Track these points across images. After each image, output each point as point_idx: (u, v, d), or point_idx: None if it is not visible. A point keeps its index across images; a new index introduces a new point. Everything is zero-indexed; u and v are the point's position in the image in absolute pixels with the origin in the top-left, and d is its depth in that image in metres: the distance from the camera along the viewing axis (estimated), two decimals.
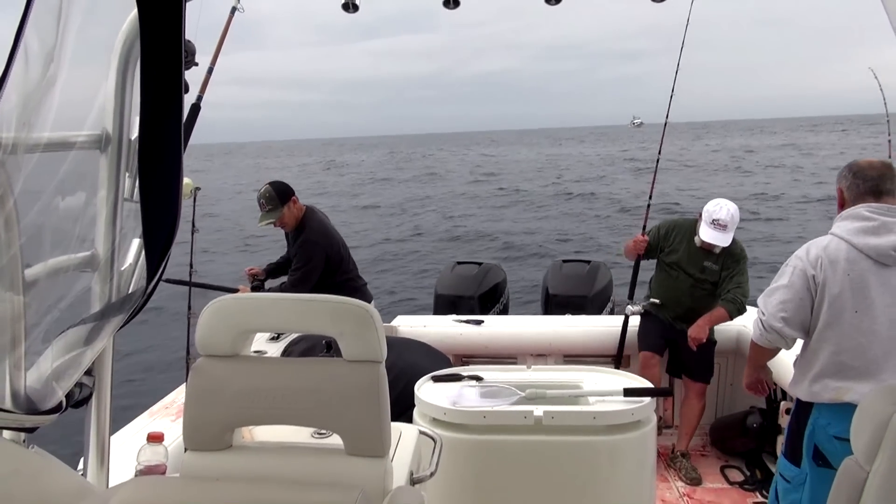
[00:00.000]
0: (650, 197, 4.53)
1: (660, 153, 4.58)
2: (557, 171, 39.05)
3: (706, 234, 3.86)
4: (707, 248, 3.95)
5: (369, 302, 3.53)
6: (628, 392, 2.72)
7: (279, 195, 4.18)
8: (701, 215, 3.95)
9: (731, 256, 3.95)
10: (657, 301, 4.13)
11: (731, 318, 3.92)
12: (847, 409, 2.33)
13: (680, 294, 4.06)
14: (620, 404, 2.68)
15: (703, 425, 4.13)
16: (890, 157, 3.89)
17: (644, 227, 4.31)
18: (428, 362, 3.30)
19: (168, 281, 3.81)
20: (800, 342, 2.64)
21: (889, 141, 4.10)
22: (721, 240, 3.85)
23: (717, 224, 3.85)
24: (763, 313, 2.57)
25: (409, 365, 3.17)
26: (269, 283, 4.47)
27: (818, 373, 2.47)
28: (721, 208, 3.86)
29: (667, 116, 4.51)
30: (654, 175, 4.55)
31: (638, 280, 4.36)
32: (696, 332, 3.86)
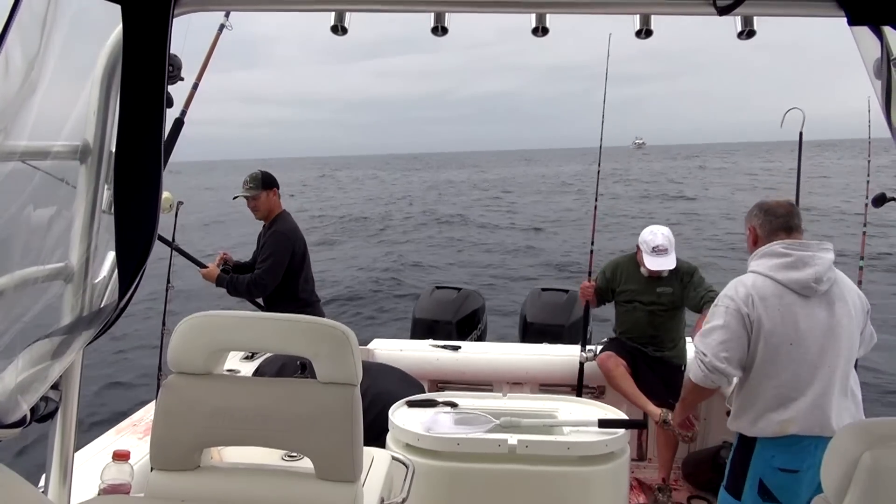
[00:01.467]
0: (592, 243, 4.47)
1: (597, 200, 4.53)
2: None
3: (651, 263, 3.95)
4: (655, 276, 4.03)
5: None
6: (603, 423, 2.71)
7: (264, 180, 4.29)
8: (639, 247, 4.05)
9: (682, 273, 4.03)
10: (617, 336, 4.22)
11: None
12: (791, 441, 2.45)
13: (641, 325, 4.12)
14: (595, 435, 2.67)
15: (677, 459, 4.13)
16: (868, 176, 3.97)
17: (589, 273, 4.31)
18: (403, 389, 3.27)
19: (162, 240, 3.79)
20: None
21: (868, 162, 4.18)
22: (666, 264, 3.94)
23: (657, 250, 3.95)
24: (704, 354, 2.58)
25: (384, 391, 3.14)
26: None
27: (762, 408, 2.50)
28: (656, 235, 3.97)
29: (600, 147, 4.44)
30: (594, 222, 4.53)
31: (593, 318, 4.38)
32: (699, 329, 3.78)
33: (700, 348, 2.63)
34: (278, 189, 4.38)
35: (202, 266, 4.33)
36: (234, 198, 4.43)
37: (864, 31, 1.47)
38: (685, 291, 4.01)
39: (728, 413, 2.70)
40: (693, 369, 2.67)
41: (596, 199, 4.55)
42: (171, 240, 3.96)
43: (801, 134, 3.94)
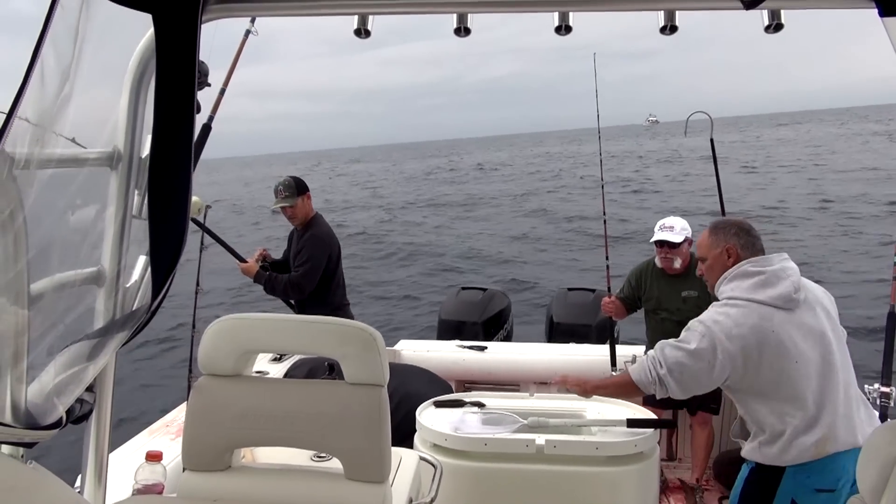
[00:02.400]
0: (607, 258, 4.26)
1: (605, 214, 4.42)
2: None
3: (657, 235, 3.97)
4: (675, 274, 3.99)
5: None
6: (632, 423, 2.69)
7: (297, 186, 4.29)
8: (655, 245, 4.05)
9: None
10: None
11: None
12: (826, 461, 2.33)
13: (671, 335, 4.00)
14: (623, 435, 2.65)
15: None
16: None
17: (609, 289, 4.21)
18: (430, 390, 3.28)
19: (200, 225, 3.87)
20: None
21: None
22: (671, 237, 3.92)
23: (663, 227, 3.98)
24: (661, 365, 2.52)
25: (412, 392, 3.15)
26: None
27: (791, 435, 2.37)
28: (669, 218, 4.04)
29: (599, 135, 4.26)
30: (605, 239, 4.38)
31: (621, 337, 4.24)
32: None
33: (660, 357, 2.55)
34: (309, 192, 4.39)
35: (242, 260, 4.36)
36: (273, 211, 4.46)
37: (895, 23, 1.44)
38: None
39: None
40: (639, 370, 2.61)
41: (604, 214, 4.44)
42: (201, 243, 4.02)
43: (711, 140, 3.88)
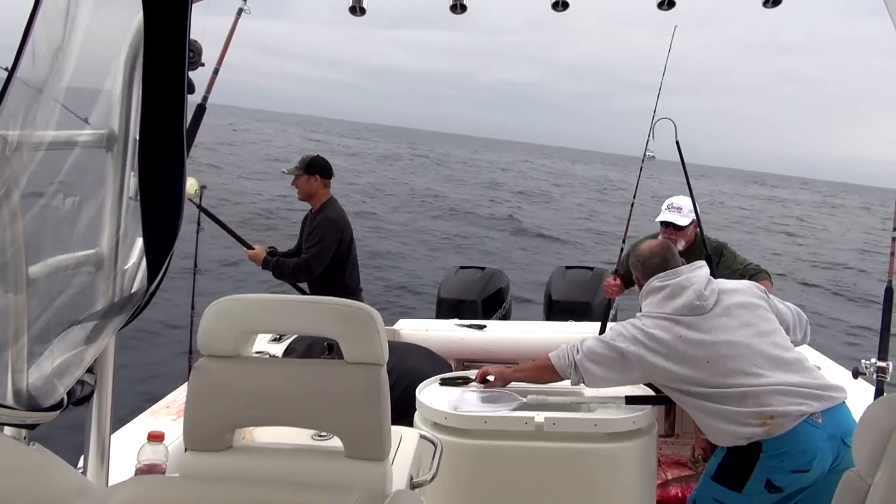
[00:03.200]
0: (623, 241, 4.28)
1: (634, 197, 4.41)
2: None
3: (663, 215, 3.89)
4: (678, 246, 3.82)
5: None
6: (630, 400, 2.71)
7: (308, 165, 4.36)
8: (661, 226, 3.99)
9: (710, 253, 3.89)
10: None
11: (772, 284, 3.78)
12: (792, 438, 2.41)
13: None
14: (622, 412, 2.67)
15: None
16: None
17: (616, 270, 4.20)
18: (429, 367, 3.29)
19: (203, 210, 3.87)
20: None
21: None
22: (677, 219, 3.86)
23: (671, 207, 3.91)
24: (577, 351, 2.66)
25: (410, 369, 3.17)
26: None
27: (743, 420, 2.45)
28: (677, 197, 3.96)
29: (643, 161, 4.31)
30: (629, 219, 4.39)
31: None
32: None
33: (579, 344, 2.69)
34: (325, 178, 4.40)
35: (249, 247, 4.39)
36: (283, 172, 4.53)
37: None
38: (716, 272, 3.74)
39: None
40: (559, 354, 2.72)
41: (634, 197, 4.42)
42: (198, 223, 4.01)
43: (677, 143, 3.89)
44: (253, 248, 4.36)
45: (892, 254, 3.32)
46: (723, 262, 3.90)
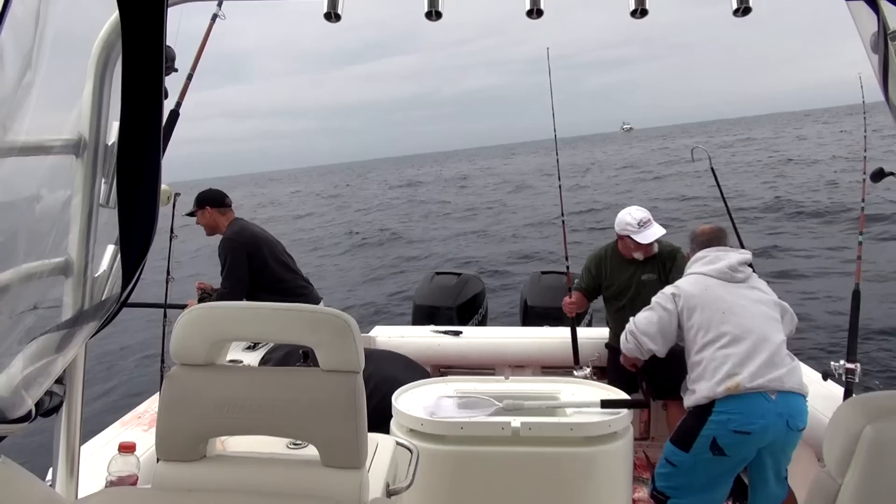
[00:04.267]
0: (566, 258, 4.31)
1: (563, 216, 4.43)
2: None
3: (644, 237, 3.88)
4: (633, 259, 3.98)
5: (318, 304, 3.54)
6: (605, 403, 2.73)
7: (198, 200, 4.51)
8: (620, 235, 3.98)
9: (664, 257, 3.97)
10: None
11: None
12: (744, 403, 2.85)
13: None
14: (598, 416, 2.69)
15: None
16: (865, 149, 3.70)
17: (570, 290, 4.19)
18: (406, 375, 3.29)
19: (130, 305, 3.80)
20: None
21: (865, 136, 3.84)
22: (658, 232, 3.89)
23: (643, 224, 3.90)
24: (634, 327, 3.25)
25: (388, 377, 3.16)
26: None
27: (711, 374, 2.93)
28: (635, 212, 3.93)
29: (556, 140, 4.42)
30: (564, 239, 4.39)
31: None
32: None
33: (631, 325, 3.28)
34: (220, 206, 4.48)
35: (182, 307, 4.30)
36: (184, 215, 4.47)
37: (861, 7, 1.47)
38: (670, 275, 3.88)
39: None
40: (622, 342, 3.32)
41: (562, 215, 4.43)
42: (171, 230, 3.96)
43: (712, 169, 4.17)
44: (185, 305, 4.18)
45: (859, 258, 3.40)
46: (675, 267, 3.90)
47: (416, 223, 24.49)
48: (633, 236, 3.91)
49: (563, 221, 4.43)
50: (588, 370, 3.90)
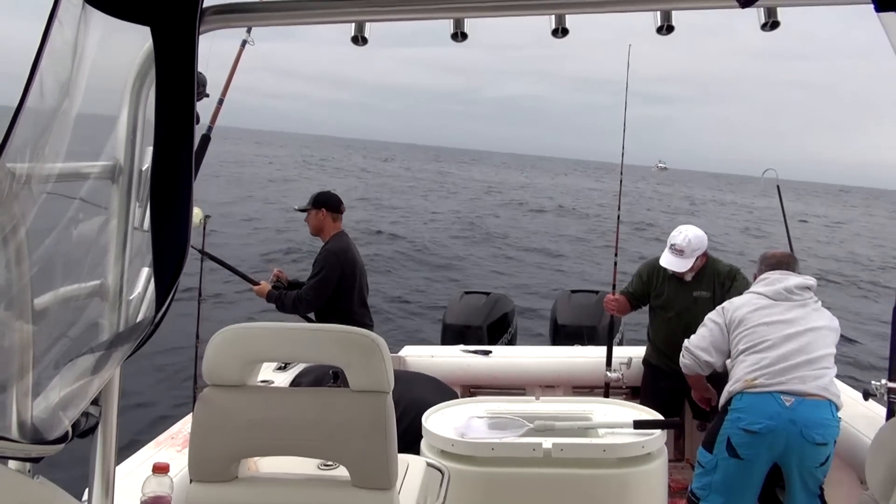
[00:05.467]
0: (616, 255, 4.38)
1: (619, 210, 4.46)
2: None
3: (665, 259, 3.90)
4: (685, 278, 3.96)
5: None
6: (638, 424, 2.69)
7: (315, 199, 4.47)
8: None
9: (723, 277, 3.94)
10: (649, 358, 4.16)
11: None
12: (754, 401, 2.94)
13: (676, 334, 3.89)
14: (631, 437, 2.64)
15: None
16: None
17: (613, 286, 4.21)
18: (435, 396, 3.27)
19: (206, 254, 3.98)
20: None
21: None
22: (678, 265, 3.86)
23: (673, 249, 3.88)
24: (690, 345, 3.37)
25: (417, 399, 3.15)
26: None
27: (739, 375, 3.05)
28: (679, 234, 3.89)
29: (622, 173, 4.50)
30: (617, 233, 4.46)
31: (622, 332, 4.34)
32: None
33: (687, 343, 3.39)
34: (331, 210, 4.44)
35: (254, 283, 4.47)
36: (294, 209, 4.63)
37: (893, 18, 1.44)
38: (727, 295, 3.79)
39: None
40: (681, 363, 3.42)
41: (619, 209, 4.45)
42: (201, 252, 4.03)
43: (778, 188, 4.28)
44: (258, 284, 4.44)
45: None
46: (735, 287, 3.87)
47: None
48: (664, 253, 3.93)
49: (619, 217, 4.45)
50: (619, 374, 3.93)
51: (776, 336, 3.05)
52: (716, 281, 3.93)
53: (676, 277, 4.00)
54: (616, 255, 4.37)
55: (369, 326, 4.46)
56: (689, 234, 3.88)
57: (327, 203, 4.43)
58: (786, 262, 3.39)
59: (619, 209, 4.44)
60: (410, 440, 2.75)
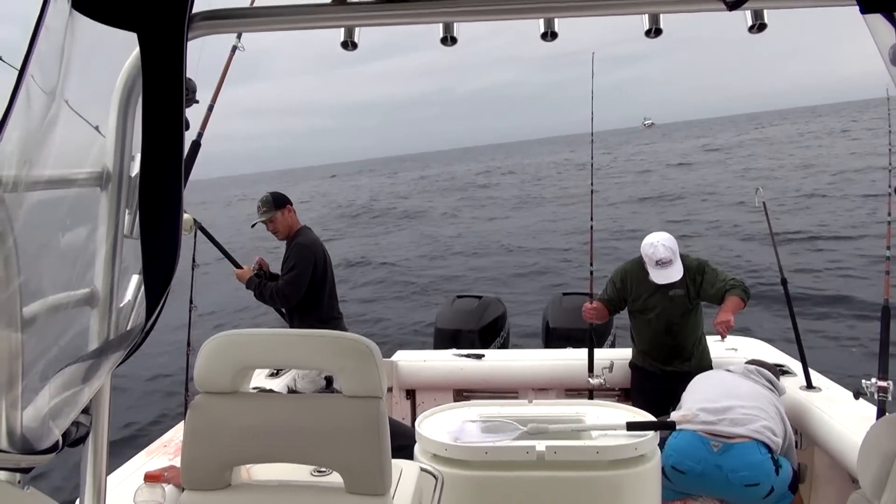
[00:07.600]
0: (591, 264, 4.34)
1: (592, 220, 4.44)
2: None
3: (658, 276, 3.94)
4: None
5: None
6: (631, 426, 2.69)
7: (274, 200, 4.41)
8: (642, 258, 4.03)
9: (693, 272, 3.99)
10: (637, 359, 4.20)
11: (745, 303, 3.89)
12: (685, 442, 3.01)
13: (660, 335, 4.05)
14: (624, 438, 2.65)
15: None
16: (890, 162, 3.62)
17: (591, 295, 4.22)
18: None
19: (198, 225, 3.99)
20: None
21: (889, 150, 3.72)
22: (673, 275, 3.92)
23: (661, 264, 3.92)
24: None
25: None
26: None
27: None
28: (657, 248, 3.93)
29: (592, 142, 4.51)
30: (591, 242, 4.44)
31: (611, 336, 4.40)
32: (722, 317, 3.81)
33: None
34: (291, 205, 4.47)
35: (238, 266, 4.48)
36: (253, 225, 4.56)
37: (878, 19, 1.45)
38: (700, 289, 3.95)
39: None
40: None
41: (591, 219, 4.44)
42: (192, 260, 4.01)
43: (764, 205, 4.22)
44: (241, 268, 4.45)
45: (887, 273, 3.34)
46: (706, 280, 3.96)
47: None
48: (649, 269, 3.97)
49: (592, 227, 4.45)
50: (601, 380, 3.95)
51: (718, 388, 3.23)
52: (687, 277, 3.99)
53: (650, 279, 4.03)
54: (591, 263, 4.33)
55: (338, 318, 4.49)
56: (663, 243, 3.95)
57: (286, 200, 4.47)
58: None
59: (591, 219, 4.43)
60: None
